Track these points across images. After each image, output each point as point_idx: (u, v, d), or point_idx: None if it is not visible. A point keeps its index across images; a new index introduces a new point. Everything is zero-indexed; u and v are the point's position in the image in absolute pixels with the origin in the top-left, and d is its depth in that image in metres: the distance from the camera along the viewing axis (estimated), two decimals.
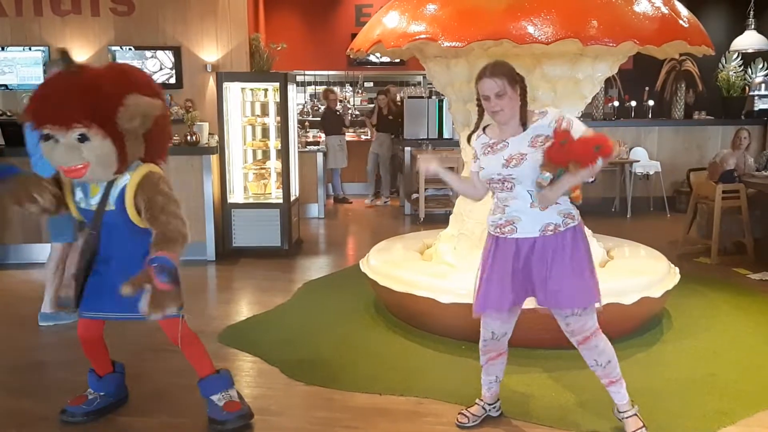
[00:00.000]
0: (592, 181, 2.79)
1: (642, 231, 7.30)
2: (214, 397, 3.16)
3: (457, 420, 3.17)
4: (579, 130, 2.77)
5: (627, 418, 2.99)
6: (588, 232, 4.76)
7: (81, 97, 2.77)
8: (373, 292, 4.85)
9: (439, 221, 7.49)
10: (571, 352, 3.15)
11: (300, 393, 3.57)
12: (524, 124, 2.84)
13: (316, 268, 6.36)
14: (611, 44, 3.75)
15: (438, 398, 3.45)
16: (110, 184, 2.93)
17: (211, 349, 4.08)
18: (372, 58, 10.45)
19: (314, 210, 8.98)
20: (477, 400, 3.22)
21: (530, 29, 3.69)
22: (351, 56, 4.82)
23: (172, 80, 8.98)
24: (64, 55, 2.84)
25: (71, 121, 2.77)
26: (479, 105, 2.91)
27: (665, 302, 4.45)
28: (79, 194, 3.00)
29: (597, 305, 2.92)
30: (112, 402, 3.31)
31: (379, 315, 4.75)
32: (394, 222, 8.75)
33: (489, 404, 3.21)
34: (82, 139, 2.78)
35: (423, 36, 3.95)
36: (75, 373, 3.81)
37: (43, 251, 6.33)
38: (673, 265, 4.67)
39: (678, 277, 4.52)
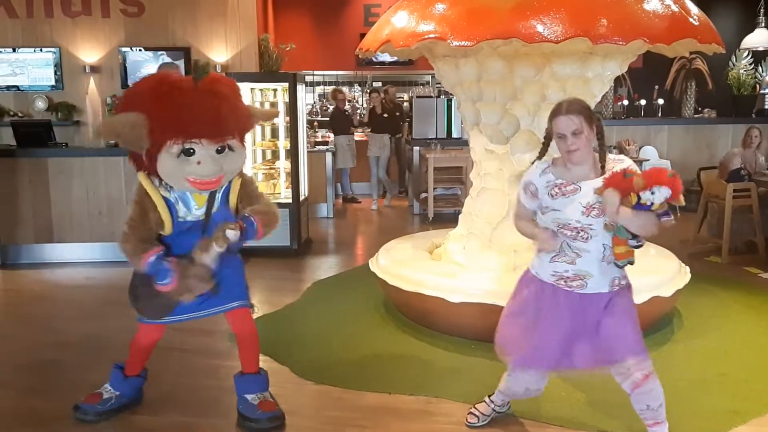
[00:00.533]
0: (638, 245, 2.64)
1: None
2: (249, 396, 3.18)
3: (467, 420, 3.17)
4: None
5: None
6: None
7: (231, 109, 2.85)
8: (382, 291, 4.85)
9: (448, 221, 7.49)
10: None
11: (310, 392, 3.58)
12: (603, 167, 2.68)
13: (325, 267, 6.37)
14: (621, 43, 3.73)
15: (448, 397, 3.46)
16: (213, 193, 2.96)
17: (220, 349, 4.13)
18: (382, 57, 10.47)
19: (323, 210, 8.99)
20: (485, 399, 3.20)
21: (539, 28, 3.68)
22: (360, 56, 4.83)
23: None
24: (205, 67, 2.85)
25: (226, 133, 2.82)
26: (546, 141, 2.79)
27: (676, 301, 4.43)
28: (182, 210, 2.94)
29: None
30: (125, 403, 3.31)
31: (389, 314, 4.75)
32: (403, 221, 8.76)
33: (497, 404, 3.18)
34: (221, 150, 2.82)
35: (432, 35, 3.95)
36: (86, 372, 3.85)
37: (54, 251, 6.40)
38: (683, 265, 4.65)
39: (689, 276, 4.50)
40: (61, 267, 6.28)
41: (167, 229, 2.94)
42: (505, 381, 3.02)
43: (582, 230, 2.66)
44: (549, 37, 3.67)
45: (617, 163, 2.70)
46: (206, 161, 2.79)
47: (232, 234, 2.84)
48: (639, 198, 2.48)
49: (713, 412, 3.27)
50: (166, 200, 2.91)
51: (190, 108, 2.75)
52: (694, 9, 4.14)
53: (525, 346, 2.82)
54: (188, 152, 2.77)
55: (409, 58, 5.70)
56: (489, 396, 3.19)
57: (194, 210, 2.94)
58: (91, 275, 6.04)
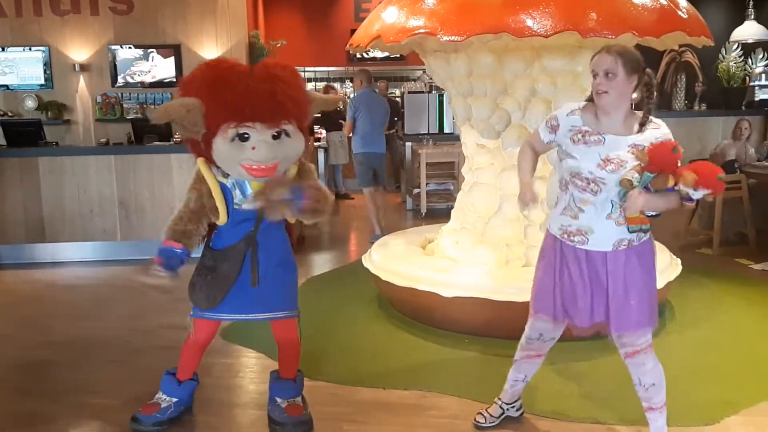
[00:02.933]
0: (657, 215, 2.59)
1: None
2: (279, 399, 3.16)
3: (475, 419, 3.12)
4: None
5: None
6: None
7: (287, 94, 2.76)
8: (375, 287, 4.86)
9: (441, 216, 7.51)
10: (573, 344, 3.16)
11: (304, 388, 3.58)
12: (643, 124, 2.59)
13: (318, 264, 6.37)
14: (610, 36, 3.74)
15: (442, 392, 3.47)
16: None
17: (215, 345, 4.10)
18: (373, 53, 10.45)
19: None
20: (495, 399, 3.14)
21: (529, 22, 3.69)
22: (350, 52, 4.83)
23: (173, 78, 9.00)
24: (261, 48, 2.83)
25: (282, 118, 2.76)
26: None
27: (667, 293, 4.45)
28: (238, 196, 2.90)
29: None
30: (182, 411, 3.22)
31: (382, 310, 4.76)
32: (395, 217, 8.76)
33: (507, 403, 3.12)
34: (278, 135, 2.77)
35: (422, 31, 3.95)
36: (78, 371, 3.84)
37: (45, 251, 6.37)
38: (675, 257, 4.67)
39: (680, 268, 4.52)
40: (52, 266, 6.26)
41: (222, 217, 2.90)
42: (523, 337, 2.97)
43: (593, 182, 2.57)
44: (539, 31, 3.68)
45: (652, 126, 2.60)
46: (261, 147, 2.73)
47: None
48: (676, 184, 2.46)
49: (705, 403, 3.29)
50: (223, 186, 2.88)
51: (244, 92, 2.71)
52: (682, 2, 4.16)
53: (534, 294, 2.83)
54: (243, 137, 2.73)
55: (400, 53, 5.71)
56: (498, 397, 3.14)
57: (251, 197, 2.89)
58: (82, 275, 6.02)
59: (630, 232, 2.61)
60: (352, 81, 12.14)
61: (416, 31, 3.97)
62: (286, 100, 2.76)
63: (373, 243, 5.20)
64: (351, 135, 7.35)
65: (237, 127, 2.73)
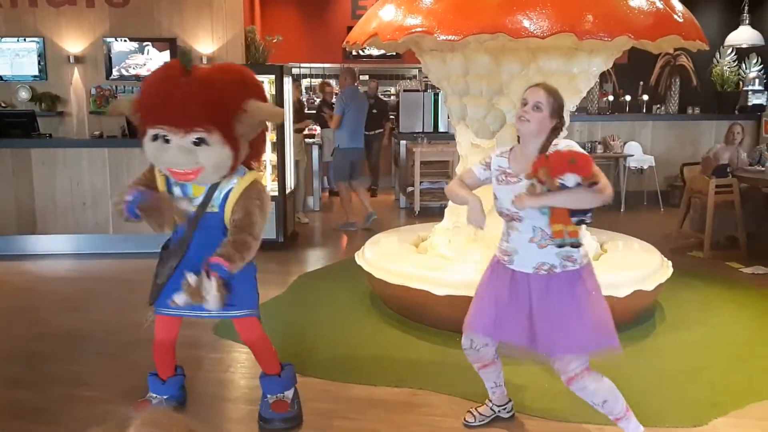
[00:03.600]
0: (583, 222, 2.65)
1: (635, 225, 7.33)
2: (269, 395, 3.17)
3: (464, 419, 3.15)
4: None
5: None
6: (582, 226, 4.80)
7: (204, 100, 2.70)
8: (368, 284, 4.87)
9: (434, 214, 7.53)
10: None
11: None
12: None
13: (311, 260, 6.38)
14: (606, 38, 3.76)
15: (432, 389, 3.48)
16: (214, 186, 2.88)
17: (206, 340, 4.12)
18: (370, 50, 10.44)
19: (310, 202, 8.98)
20: (486, 401, 3.18)
21: (526, 23, 3.70)
22: (347, 49, 4.83)
23: None
24: (186, 54, 2.77)
25: (194, 125, 2.69)
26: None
27: (658, 295, 4.48)
28: (177, 192, 2.92)
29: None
30: (174, 405, 3.22)
31: (374, 307, 4.77)
32: (389, 215, 8.76)
33: (498, 405, 3.16)
34: (199, 142, 2.71)
35: (419, 29, 3.95)
36: (69, 363, 3.84)
37: (37, 242, 6.35)
38: (666, 259, 4.70)
39: (671, 270, 4.55)
40: (43, 258, 6.24)
41: None
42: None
43: (513, 217, 2.74)
44: (535, 32, 3.69)
45: (553, 147, 2.70)
46: (177, 150, 2.71)
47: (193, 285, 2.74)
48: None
49: (694, 404, 3.32)
50: (167, 180, 2.91)
51: (163, 94, 2.72)
52: (678, 6, 4.18)
53: (476, 310, 2.92)
54: (164, 139, 2.72)
55: (396, 51, 5.71)
56: (488, 398, 3.18)
57: (191, 197, 2.90)
58: (74, 267, 6.01)
59: (559, 246, 2.66)
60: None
61: (413, 30, 3.98)
62: (196, 107, 2.69)
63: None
64: (335, 129, 7.61)
65: (153, 128, 2.74)
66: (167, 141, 2.71)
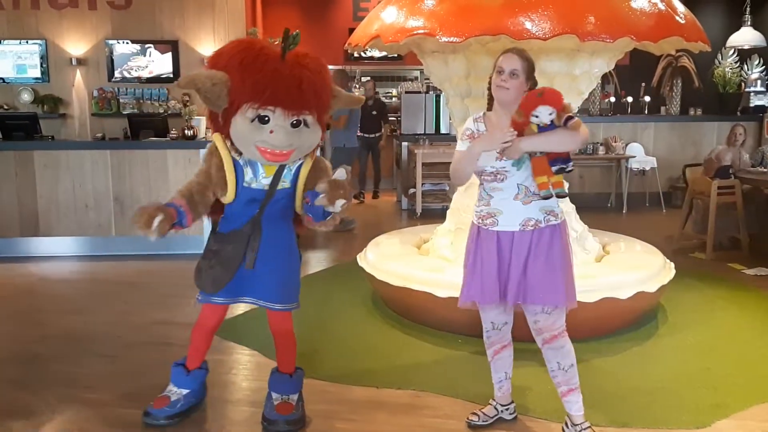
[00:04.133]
0: (563, 170, 2.70)
1: (637, 226, 7.33)
2: (274, 395, 3.17)
3: (468, 418, 3.14)
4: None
5: (582, 431, 2.90)
6: (584, 227, 4.81)
7: (313, 84, 2.78)
8: (370, 286, 4.87)
9: (436, 216, 7.53)
10: None
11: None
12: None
13: (313, 262, 6.38)
14: (608, 40, 3.76)
15: (435, 391, 3.48)
16: (283, 166, 2.91)
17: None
18: (371, 52, 10.44)
19: None
20: (490, 401, 3.18)
21: (528, 25, 3.70)
22: (349, 51, 4.83)
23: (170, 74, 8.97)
24: (295, 37, 2.80)
25: (304, 107, 2.76)
26: (491, 83, 2.83)
27: (660, 297, 4.47)
28: (249, 175, 2.91)
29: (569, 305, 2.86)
30: (193, 404, 3.22)
31: (377, 309, 4.77)
32: (391, 217, 8.77)
33: (502, 405, 3.16)
34: (297, 124, 2.78)
35: (421, 31, 3.96)
36: (71, 365, 3.84)
37: (39, 245, 6.36)
38: (668, 260, 4.69)
39: (673, 272, 4.54)
40: (46, 260, 6.24)
41: (230, 193, 2.90)
42: (483, 335, 3.11)
43: (498, 173, 2.79)
44: (537, 33, 3.69)
45: None
46: (279, 132, 2.74)
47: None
48: (536, 124, 2.66)
49: (696, 406, 3.31)
50: (235, 163, 2.89)
51: (271, 75, 2.72)
52: (680, 7, 4.18)
53: (466, 282, 2.96)
54: (263, 119, 2.75)
55: (398, 53, 5.71)
56: (492, 398, 3.19)
57: (261, 178, 2.90)
58: (76, 269, 6.01)
59: (543, 198, 2.72)
60: (349, 80, 12.13)
61: (415, 32, 3.98)
62: (309, 90, 2.77)
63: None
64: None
65: (258, 109, 2.74)
66: (266, 121, 2.75)
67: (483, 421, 3.12)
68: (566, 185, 2.87)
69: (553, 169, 2.70)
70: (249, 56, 2.77)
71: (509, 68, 2.74)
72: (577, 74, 4.44)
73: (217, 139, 2.91)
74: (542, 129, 2.67)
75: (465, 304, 3.02)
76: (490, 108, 2.93)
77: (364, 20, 4.67)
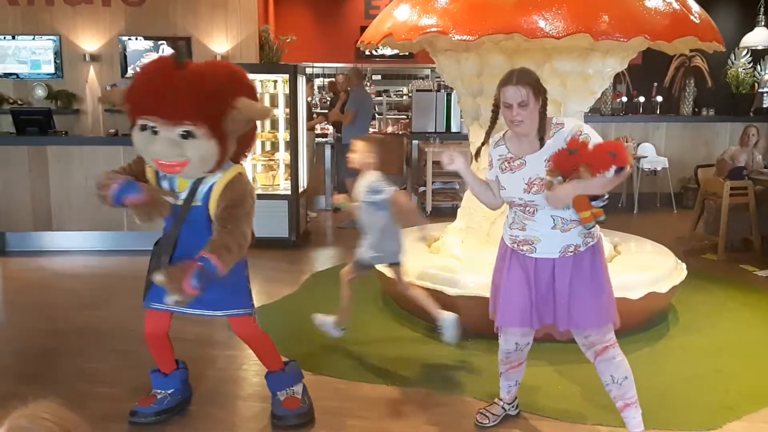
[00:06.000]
0: (603, 204, 2.65)
1: (649, 227, 7.30)
2: (278, 393, 3.19)
3: (477, 419, 3.14)
4: (597, 142, 2.64)
5: None
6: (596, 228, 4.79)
7: (194, 94, 2.71)
8: (380, 283, 4.87)
9: (446, 214, 7.52)
10: (575, 345, 3.16)
11: (308, 383, 3.58)
12: (542, 138, 2.69)
13: (323, 259, 6.39)
14: (622, 39, 3.75)
15: (444, 390, 3.49)
16: (199, 181, 2.89)
17: (219, 338, 4.14)
18: (382, 50, 10.43)
19: (322, 202, 9.01)
20: (496, 400, 3.19)
21: (541, 23, 3.69)
22: (361, 48, 4.84)
23: None
24: (181, 48, 2.84)
25: (182, 117, 2.70)
26: (495, 110, 2.77)
27: (672, 298, 4.46)
28: (165, 186, 2.94)
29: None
30: (180, 400, 3.25)
31: (386, 307, 4.78)
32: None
33: (508, 404, 3.18)
34: (186, 136, 2.72)
35: (434, 29, 3.96)
36: (84, 360, 3.87)
37: (52, 239, 6.40)
38: (680, 261, 4.68)
39: (685, 272, 4.53)
40: (59, 255, 6.29)
41: None
42: (500, 353, 3.07)
43: (527, 206, 2.72)
44: (550, 32, 3.68)
45: (557, 128, 2.70)
46: (164, 142, 2.73)
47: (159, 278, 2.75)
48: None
49: (707, 408, 3.30)
50: (157, 173, 2.94)
51: (153, 86, 2.74)
52: (695, 7, 4.16)
53: (498, 305, 2.91)
54: (152, 130, 2.73)
55: (409, 51, 5.71)
56: (499, 397, 3.20)
57: (177, 191, 2.92)
58: (89, 264, 6.05)
59: (588, 228, 2.68)
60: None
61: (428, 30, 3.98)
62: (192, 102, 2.70)
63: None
64: (347, 125, 7.75)
65: (142, 119, 2.76)
66: (155, 132, 2.74)
67: (492, 422, 3.12)
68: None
69: (594, 204, 2.63)
70: (145, 69, 2.85)
71: (516, 101, 2.64)
72: (590, 73, 4.42)
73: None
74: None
75: (493, 315, 3.00)
76: (492, 127, 2.88)
77: (377, 18, 4.67)
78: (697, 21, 4.05)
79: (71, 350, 4.04)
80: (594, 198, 2.64)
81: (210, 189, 2.88)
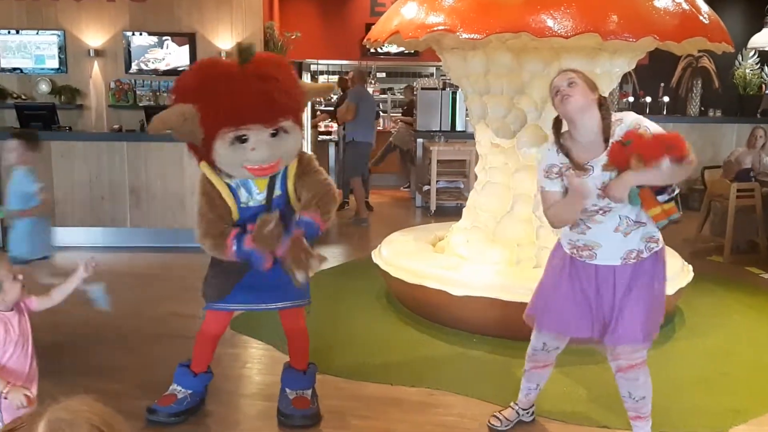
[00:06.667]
0: (670, 198, 2.54)
1: None
2: (288, 390, 3.17)
3: (489, 422, 3.10)
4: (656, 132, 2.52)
5: None
6: None
7: (279, 90, 2.71)
8: (384, 283, 4.85)
9: (450, 214, 7.50)
10: (582, 348, 3.14)
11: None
12: (606, 140, 2.55)
13: (327, 257, 6.35)
14: (631, 39, 3.72)
15: (449, 390, 3.46)
16: (273, 177, 2.89)
17: (224, 336, 4.11)
18: (387, 48, 10.40)
19: None
20: (512, 404, 3.13)
21: (550, 22, 3.66)
22: (367, 46, 4.81)
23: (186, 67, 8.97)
24: (249, 49, 2.75)
25: (278, 116, 2.71)
26: (556, 124, 2.67)
27: (678, 300, 4.43)
28: (244, 195, 2.90)
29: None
30: (197, 402, 3.22)
31: (391, 306, 4.76)
32: (405, 214, 8.75)
33: (523, 409, 3.12)
34: (276, 133, 2.73)
35: (441, 27, 3.93)
36: (86, 355, 3.86)
37: (55, 235, 6.37)
38: (686, 263, 4.65)
39: (691, 274, 4.50)
40: (62, 251, 6.26)
41: (234, 216, 2.90)
42: (529, 348, 2.98)
43: (600, 210, 2.59)
44: (559, 32, 3.65)
45: (616, 124, 2.58)
46: (260, 147, 2.71)
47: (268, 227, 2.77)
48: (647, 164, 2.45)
49: (714, 411, 3.28)
50: (229, 186, 2.87)
51: (239, 95, 2.67)
52: (704, 7, 4.13)
53: (542, 308, 2.83)
54: (241, 139, 2.70)
55: (415, 49, 5.68)
56: (514, 401, 3.14)
57: (256, 195, 2.90)
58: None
59: (661, 227, 2.60)
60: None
61: (435, 28, 3.95)
62: (282, 98, 2.72)
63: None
64: (350, 121, 7.83)
65: (235, 131, 2.70)
66: (244, 141, 2.70)
67: (505, 426, 3.08)
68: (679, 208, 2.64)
69: (661, 198, 2.54)
70: (212, 81, 2.74)
71: (565, 81, 2.56)
72: (598, 73, 4.38)
73: (205, 168, 2.87)
74: None
75: (528, 318, 2.92)
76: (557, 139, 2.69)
77: (384, 16, 4.64)
78: (707, 21, 4.02)
79: (74, 346, 4.03)
80: (660, 192, 2.54)
81: (284, 174, 2.93)
